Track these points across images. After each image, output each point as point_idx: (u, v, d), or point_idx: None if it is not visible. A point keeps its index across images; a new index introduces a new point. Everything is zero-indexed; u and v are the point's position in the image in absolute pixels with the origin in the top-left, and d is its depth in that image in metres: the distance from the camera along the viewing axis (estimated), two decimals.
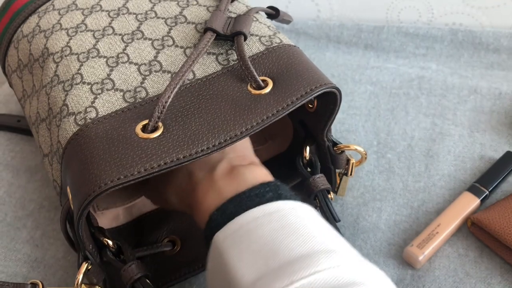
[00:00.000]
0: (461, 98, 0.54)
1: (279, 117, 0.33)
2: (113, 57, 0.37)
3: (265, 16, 0.43)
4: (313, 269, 0.25)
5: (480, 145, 0.49)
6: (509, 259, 0.40)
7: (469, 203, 0.43)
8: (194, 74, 0.36)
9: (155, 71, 0.36)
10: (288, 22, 0.46)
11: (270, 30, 0.39)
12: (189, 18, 0.40)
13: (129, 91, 0.35)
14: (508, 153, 0.47)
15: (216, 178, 0.33)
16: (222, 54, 0.37)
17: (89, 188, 0.30)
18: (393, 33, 0.61)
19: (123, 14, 0.41)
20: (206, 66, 0.36)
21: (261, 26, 0.39)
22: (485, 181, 0.45)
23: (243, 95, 0.34)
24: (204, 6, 0.41)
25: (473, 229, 0.42)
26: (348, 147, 0.39)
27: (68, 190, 0.32)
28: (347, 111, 0.54)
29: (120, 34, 0.39)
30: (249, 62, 0.34)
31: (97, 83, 0.36)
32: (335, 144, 0.40)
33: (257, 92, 0.34)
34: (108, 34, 0.39)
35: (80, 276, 0.33)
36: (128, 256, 0.35)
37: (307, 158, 0.41)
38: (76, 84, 0.36)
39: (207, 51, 0.37)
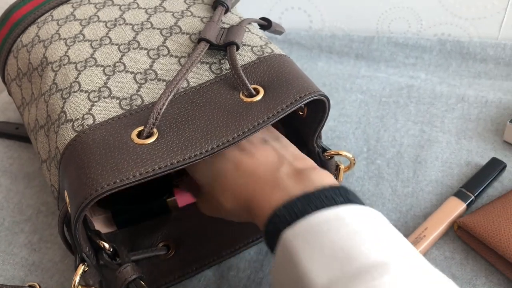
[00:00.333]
0: (449, 106, 0.55)
1: (270, 123, 0.34)
2: (110, 66, 0.39)
3: (258, 27, 0.45)
4: (390, 276, 0.26)
5: (467, 151, 0.50)
6: (494, 261, 0.41)
7: (456, 207, 0.45)
8: (188, 83, 0.37)
9: (151, 80, 0.38)
10: (280, 33, 0.47)
11: (262, 41, 0.40)
12: (183, 29, 0.41)
13: (125, 98, 0.37)
14: (493, 159, 0.48)
15: (282, 177, 0.33)
16: (215, 63, 0.38)
17: (87, 192, 0.31)
18: (383, 43, 0.63)
19: (119, 24, 0.42)
20: (200, 74, 0.38)
21: (253, 37, 0.40)
22: (471, 186, 0.46)
23: (235, 102, 0.35)
24: (198, 17, 0.42)
25: (459, 233, 0.44)
26: (337, 153, 0.40)
27: (66, 194, 0.33)
28: (338, 118, 0.56)
29: (116, 44, 0.40)
30: (241, 71, 0.36)
31: (94, 91, 0.37)
32: (324, 150, 0.41)
33: (249, 99, 0.35)
34: (105, 44, 0.40)
35: (77, 278, 0.34)
36: (123, 258, 0.36)
37: None
38: (74, 92, 0.37)
39: (201, 60, 0.38)
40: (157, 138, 0.33)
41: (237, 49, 0.38)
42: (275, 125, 0.40)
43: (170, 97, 0.34)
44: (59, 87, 0.38)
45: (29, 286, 0.36)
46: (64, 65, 0.40)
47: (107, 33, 0.41)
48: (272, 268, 0.32)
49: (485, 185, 0.46)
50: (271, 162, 0.35)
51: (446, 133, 0.52)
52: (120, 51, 0.40)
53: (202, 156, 0.32)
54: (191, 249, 0.43)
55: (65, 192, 0.34)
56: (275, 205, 0.32)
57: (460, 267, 0.42)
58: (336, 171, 0.42)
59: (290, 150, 0.36)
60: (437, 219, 0.44)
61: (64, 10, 0.44)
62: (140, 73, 0.38)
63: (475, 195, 0.45)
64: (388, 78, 0.59)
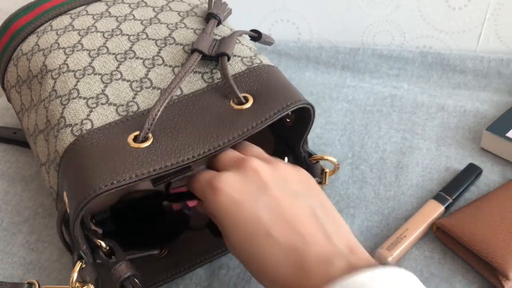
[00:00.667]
0: (430, 115, 0.58)
1: (258, 129, 0.36)
2: (107, 74, 0.40)
3: (248, 38, 0.46)
4: None
5: (446, 157, 0.53)
6: (470, 261, 0.43)
7: (435, 210, 0.47)
8: (181, 91, 0.39)
9: (146, 88, 0.39)
10: (270, 44, 0.49)
11: (252, 52, 0.42)
12: (177, 40, 0.43)
13: (122, 105, 0.38)
14: (470, 165, 0.51)
15: (334, 274, 0.30)
16: (207, 72, 0.40)
17: (85, 192, 0.32)
18: (368, 55, 0.65)
19: (116, 35, 0.43)
20: (193, 83, 0.39)
21: (244, 48, 0.43)
22: (449, 190, 0.48)
23: (226, 110, 0.37)
24: (191, 29, 0.45)
25: (438, 234, 0.45)
26: (322, 157, 0.43)
27: (65, 194, 0.34)
28: (324, 126, 0.58)
29: (114, 54, 0.42)
30: (232, 80, 0.38)
31: (92, 97, 0.39)
32: (310, 155, 0.43)
33: (239, 107, 0.37)
34: (102, 53, 0.42)
35: (75, 274, 0.34)
36: (119, 257, 0.37)
37: None
38: (73, 98, 0.39)
39: (194, 70, 0.40)
40: (152, 143, 0.35)
41: (228, 59, 0.40)
42: (264, 132, 0.43)
43: (164, 104, 0.36)
44: (59, 94, 0.40)
45: (28, 283, 0.37)
46: (63, 73, 0.41)
47: (104, 43, 0.43)
48: None
49: (462, 189, 0.48)
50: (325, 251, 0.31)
51: (427, 140, 0.55)
52: (117, 60, 0.41)
53: (194, 159, 0.34)
54: (183, 249, 0.45)
55: (64, 193, 0.35)
56: None
57: (439, 266, 0.44)
58: (321, 175, 0.45)
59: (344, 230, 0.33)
60: (417, 221, 0.46)
61: (63, 21, 0.46)
62: (136, 81, 0.40)
63: (453, 198, 0.47)
64: (372, 88, 0.62)
